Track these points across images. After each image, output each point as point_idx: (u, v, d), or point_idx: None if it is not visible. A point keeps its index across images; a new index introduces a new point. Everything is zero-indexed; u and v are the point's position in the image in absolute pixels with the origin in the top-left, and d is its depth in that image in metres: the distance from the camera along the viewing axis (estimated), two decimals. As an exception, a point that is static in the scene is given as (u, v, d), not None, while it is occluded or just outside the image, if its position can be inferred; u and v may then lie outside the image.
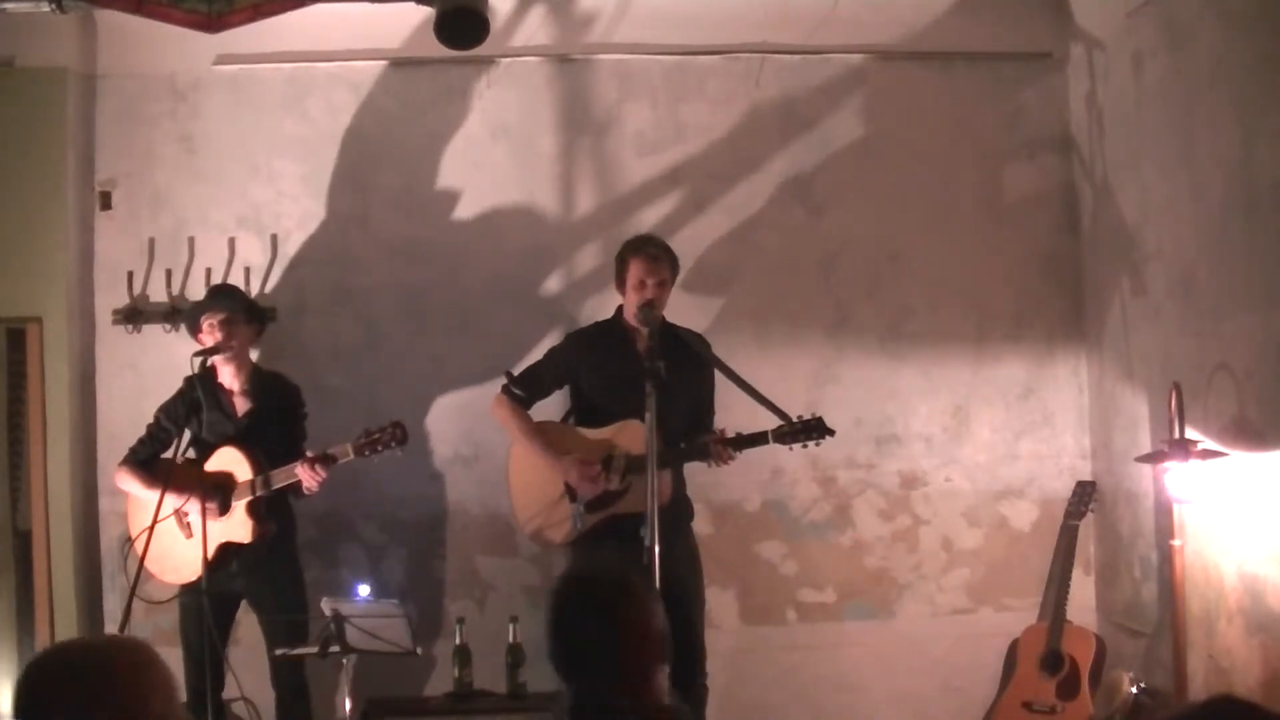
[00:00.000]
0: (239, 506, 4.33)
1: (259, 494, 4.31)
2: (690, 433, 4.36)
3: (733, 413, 4.47)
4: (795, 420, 4.23)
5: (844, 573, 5.13)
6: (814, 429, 4.23)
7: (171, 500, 4.25)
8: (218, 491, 4.32)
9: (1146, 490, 4.60)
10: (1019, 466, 5.18)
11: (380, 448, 4.27)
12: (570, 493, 4.37)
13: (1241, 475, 3.86)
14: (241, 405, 4.50)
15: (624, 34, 5.10)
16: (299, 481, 4.28)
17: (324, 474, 4.26)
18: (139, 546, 4.30)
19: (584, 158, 5.15)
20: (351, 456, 4.29)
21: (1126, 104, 4.70)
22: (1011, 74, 5.21)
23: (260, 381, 4.55)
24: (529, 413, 4.51)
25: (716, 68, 5.15)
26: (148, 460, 4.51)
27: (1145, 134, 4.55)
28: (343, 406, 4.87)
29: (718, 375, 4.50)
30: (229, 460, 4.36)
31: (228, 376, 4.50)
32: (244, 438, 4.41)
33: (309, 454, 4.27)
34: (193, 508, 4.27)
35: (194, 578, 4.25)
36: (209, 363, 4.38)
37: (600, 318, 4.72)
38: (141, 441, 4.54)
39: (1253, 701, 1.80)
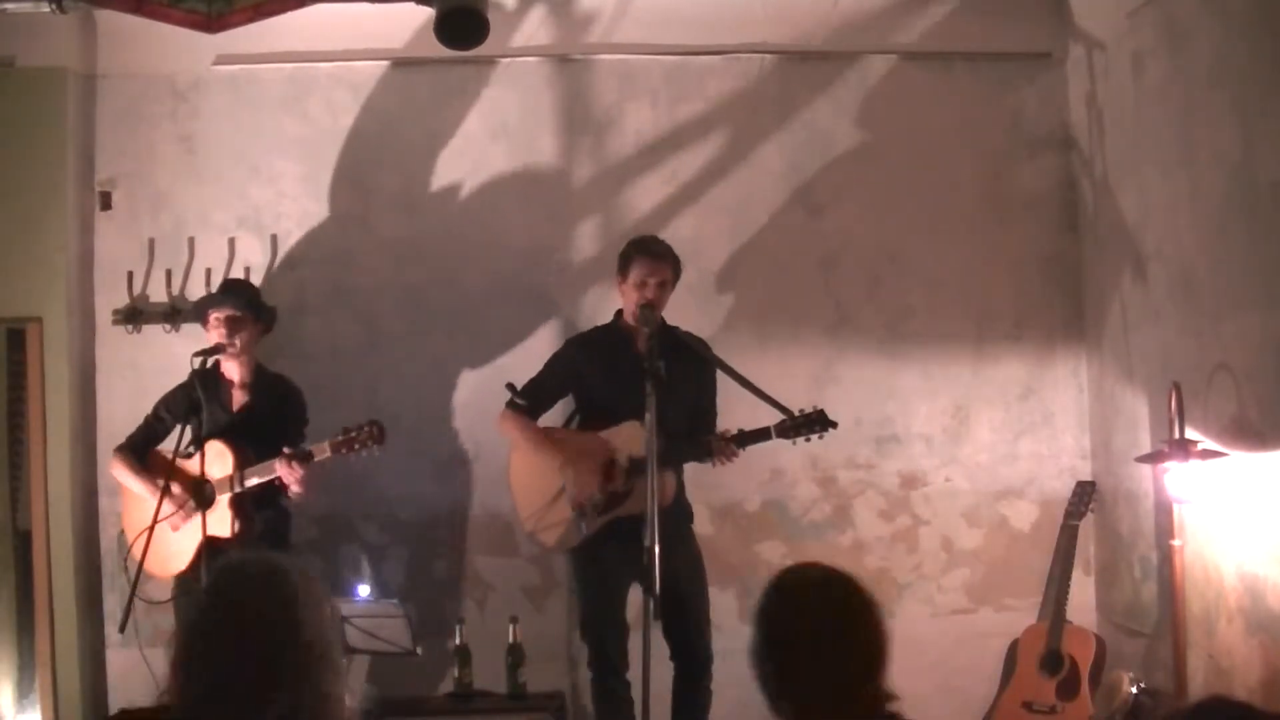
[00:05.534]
0: (221, 501, 4.31)
1: (239, 489, 4.30)
2: (692, 434, 4.36)
3: (735, 413, 4.47)
4: (797, 414, 4.23)
5: (844, 573, 5.11)
6: (816, 422, 4.23)
7: (150, 495, 4.27)
8: (198, 490, 4.28)
9: (1146, 490, 4.60)
10: (1019, 466, 5.18)
11: (357, 446, 4.25)
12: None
13: (1241, 475, 3.85)
14: (239, 400, 4.51)
15: (624, 34, 5.10)
16: (281, 480, 4.26)
17: (301, 471, 4.23)
18: (135, 549, 4.31)
19: (584, 158, 5.15)
20: (329, 454, 4.26)
21: (1126, 104, 4.69)
22: (1011, 74, 5.21)
23: (262, 380, 4.55)
24: (535, 422, 4.48)
25: (716, 68, 5.15)
26: (142, 448, 4.51)
27: (1145, 134, 4.54)
28: (343, 406, 4.85)
29: (719, 379, 4.50)
30: (216, 454, 4.32)
31: (231, 370, 4.51)
32: (234, 433, 4.39)
33: (286, 450, 4.24)
34: (171, 506, 4.27)
35: (182, 568, 4.32)
36: (211, 360, 4.37)
37: (599, 318, 4.73)
38: (139, 429, 4.55)
39: (1245, 702, 1.81)
